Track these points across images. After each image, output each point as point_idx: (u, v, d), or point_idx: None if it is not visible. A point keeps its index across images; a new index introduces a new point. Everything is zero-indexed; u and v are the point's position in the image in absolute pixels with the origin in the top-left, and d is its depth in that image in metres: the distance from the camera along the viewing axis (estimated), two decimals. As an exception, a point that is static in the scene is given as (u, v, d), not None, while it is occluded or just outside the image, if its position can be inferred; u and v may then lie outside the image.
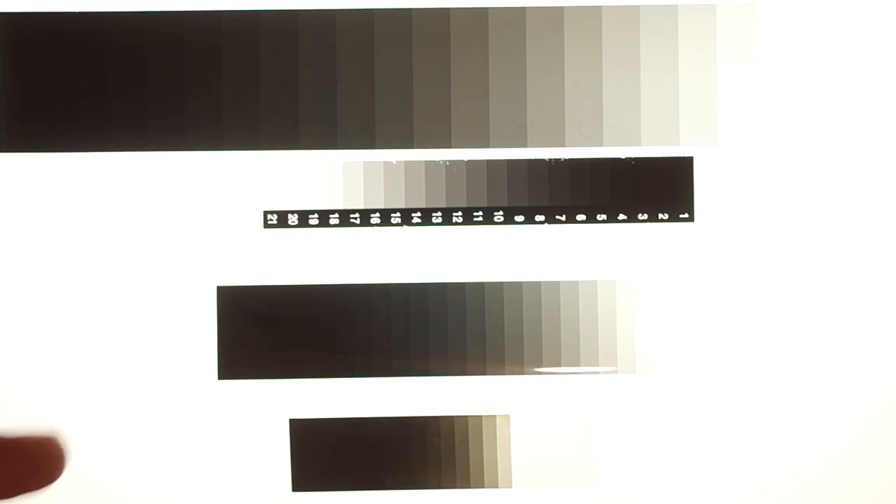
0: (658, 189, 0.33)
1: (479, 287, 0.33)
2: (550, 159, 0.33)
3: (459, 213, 0.33)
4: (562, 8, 0.33)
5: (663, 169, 0.33)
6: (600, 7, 0.33)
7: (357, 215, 0.33)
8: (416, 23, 0.33)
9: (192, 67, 0.33)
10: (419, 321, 0.33)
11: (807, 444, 0.33)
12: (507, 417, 0.33)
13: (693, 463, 0.33)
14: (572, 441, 0.34)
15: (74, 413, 0.33)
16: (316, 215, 0.33)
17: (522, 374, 0.33)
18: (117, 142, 0.33)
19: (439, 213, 0.33)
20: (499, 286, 0.33)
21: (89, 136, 0.33)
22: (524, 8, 0.33)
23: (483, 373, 0.33)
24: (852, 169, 0.33)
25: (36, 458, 0.16)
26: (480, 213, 0.33)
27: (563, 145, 0.33)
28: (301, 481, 0.33)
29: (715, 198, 0.33)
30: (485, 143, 0.33)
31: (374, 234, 0.33)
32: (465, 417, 0.33)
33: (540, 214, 0.33)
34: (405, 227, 0.33)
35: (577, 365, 0.33)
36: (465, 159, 0.33)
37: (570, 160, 0.33)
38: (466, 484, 0.34)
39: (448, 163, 0.33)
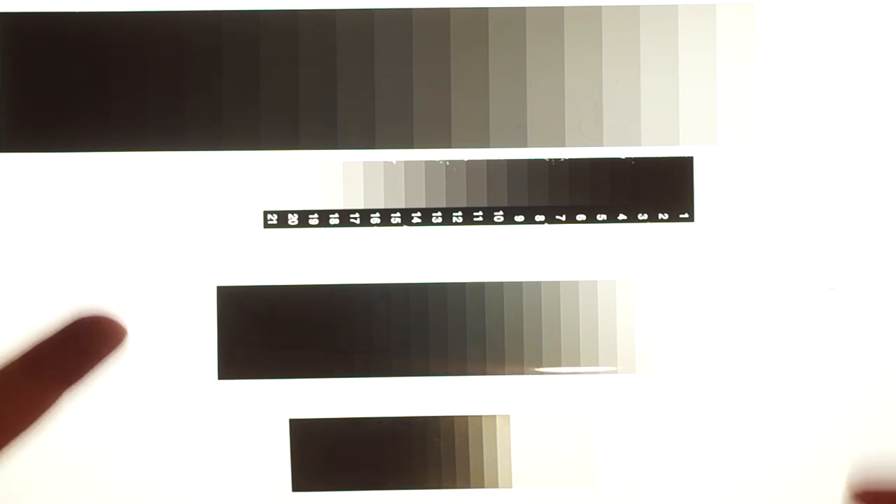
0: (658, 189, 0.33)
1: (479, 287, 0.33)
2: (550, 159, 0.33)
3: (459, 213, 0.33)
4: (562, 8, 0.33)
5: (663, 169, 0.33)
6: (600, 7, 0.33)
7: (357, 215, 0.33)
8: (416, 23, 0.33)
9: (192, 67, 0.33)
10: (419, 321, 0.33)
11: (807, 444, 0.33)
12: (507, 417, 0.33)
13: (693, 463, 0.33)
14: (572, 441, 0.34)
15: (74, 413, 0.33)
16: (316, 215, 0.33)
17: (522, 374, 0.33)
18: (117, 142, 0.33)
19: (439, 213, 0.33)
20: (499, 286, 0.33)
21: (89, 136, 0.33)
22: (524, 8, 0.33)
23: (483, 373, 0.33)
24: (852, 169, 0.33)
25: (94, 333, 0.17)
26: (480, 213, 0.33)
27: (563, 145, 0.33)
28: (301, 481, 0.33)
29: (715, 198, 0.33)
30: (485, 143, 0.33)
31: (374, 234, 0.33)
32: (465, 417, 0.33)
33: (540, 214, 0.33)
34: (405, 227, 0.33)
35: (577, 365, 0.33)
36: (465, 159, 0.33)
37: (570, 160, 0.33)
38: (466, 484, 0.34)
39: (448, 163, 0.33)
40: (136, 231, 0.33)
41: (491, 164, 0.33)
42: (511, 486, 0.34)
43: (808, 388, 0.33)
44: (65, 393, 0.17)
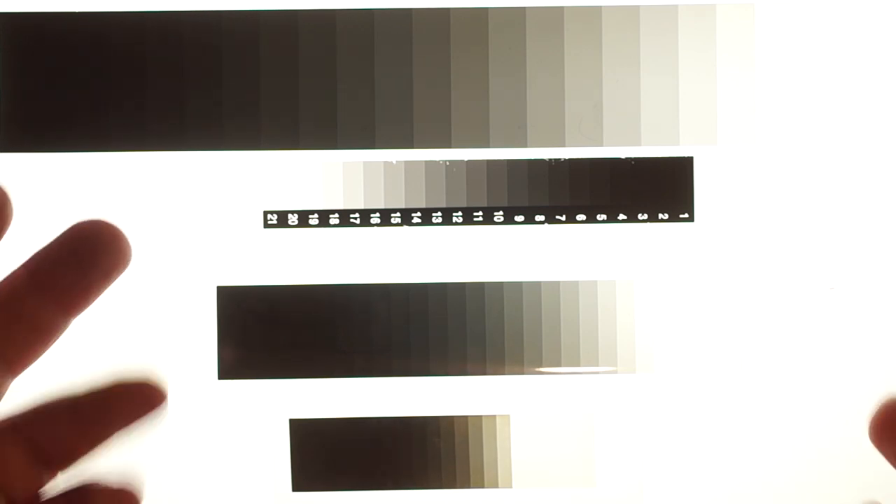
0: (658, 189, 0.33)
1: (479, 287, 0.33)
2: (550, 159, 0.33)
3: (459, 213, 0.33)
4: (562, 8, 0.33)
5: (663, 169, 0.33)
6: (600, 7, 0.33)
7: (357, 215, 0.33)
8: (416, 23, 0.33)
9: (192, 67, 0.33)
10: (419, 321, 0.33)
11: (806, 444, 0.33)
12: (507, 417, 0.33)
13: (693, 463, 0.33)
14: (572, 441, 0.34)
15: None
16: (316, 215, 0.33)
17: (522, 374, 0.33)
18: (117, 142, 0.33)
19: (439, 214, 0.33)
20: (499, 286, 0.33)
21: (89, 136, 0.33)
22: (524, 8, 0.33)
23: (483, 373, 0.33)
24: (852, 169, 0.33)
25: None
26: (480, 213, 0.33)
27: (563, 145, 0.33)
28: (301, 481, 0.33)
29: (715, 198, 0.33)
30: (485, 143, 0.33)
31: (374, 234, 0.33)
32: (465, 417, 0.33)
33: (540, 214, 0.33)
34: (405, 228, 0.33)
35: (577, 365, 0.33)
36: (465, 159, 0.33)
37: (570, 160, 0.33)
38: (466, 484, 0.34)
39: (448, 163, 0.33)
40: (136, 231, 0.33)
41: (491, 164, 0.33)
42: (511, 486, 0.34)
43: (808, 388, 0.33)
44: (71, 310, 0.16)
